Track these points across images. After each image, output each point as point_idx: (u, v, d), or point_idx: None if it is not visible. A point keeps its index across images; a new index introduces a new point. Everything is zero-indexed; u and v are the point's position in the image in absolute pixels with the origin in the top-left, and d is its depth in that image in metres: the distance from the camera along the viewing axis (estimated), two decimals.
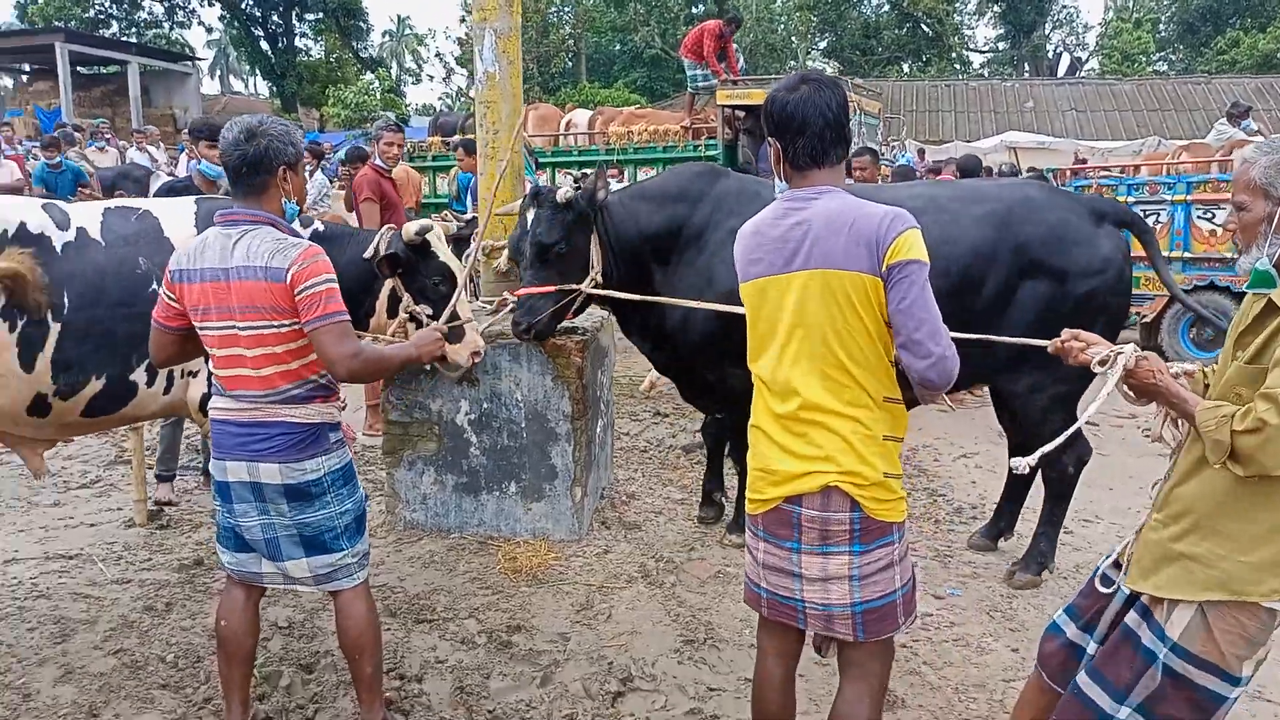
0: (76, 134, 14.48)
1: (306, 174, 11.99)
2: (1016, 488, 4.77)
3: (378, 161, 6.74)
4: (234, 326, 2.66)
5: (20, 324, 3.31)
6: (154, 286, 3.55)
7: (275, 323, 2.64)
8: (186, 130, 6.58)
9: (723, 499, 5.12)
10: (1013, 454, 4.68)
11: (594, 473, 4.95)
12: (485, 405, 4.68)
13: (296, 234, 2.82)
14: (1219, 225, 8.68)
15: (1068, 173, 11.50)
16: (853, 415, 2.29)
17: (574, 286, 4.30)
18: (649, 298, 4.32)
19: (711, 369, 4.49)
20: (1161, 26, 38.83)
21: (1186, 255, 8.89)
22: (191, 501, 5.29)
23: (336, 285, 2.68)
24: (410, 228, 3.91)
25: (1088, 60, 39.82)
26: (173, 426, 5.28)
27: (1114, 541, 4.81)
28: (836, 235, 2.22)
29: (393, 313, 4.01)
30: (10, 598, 4.02)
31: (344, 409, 2.94)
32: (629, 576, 4.32)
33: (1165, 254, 9.16)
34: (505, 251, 5.18)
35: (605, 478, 5.34)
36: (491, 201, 5.15)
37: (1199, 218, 8.86)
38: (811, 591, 2.36)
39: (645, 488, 5.54)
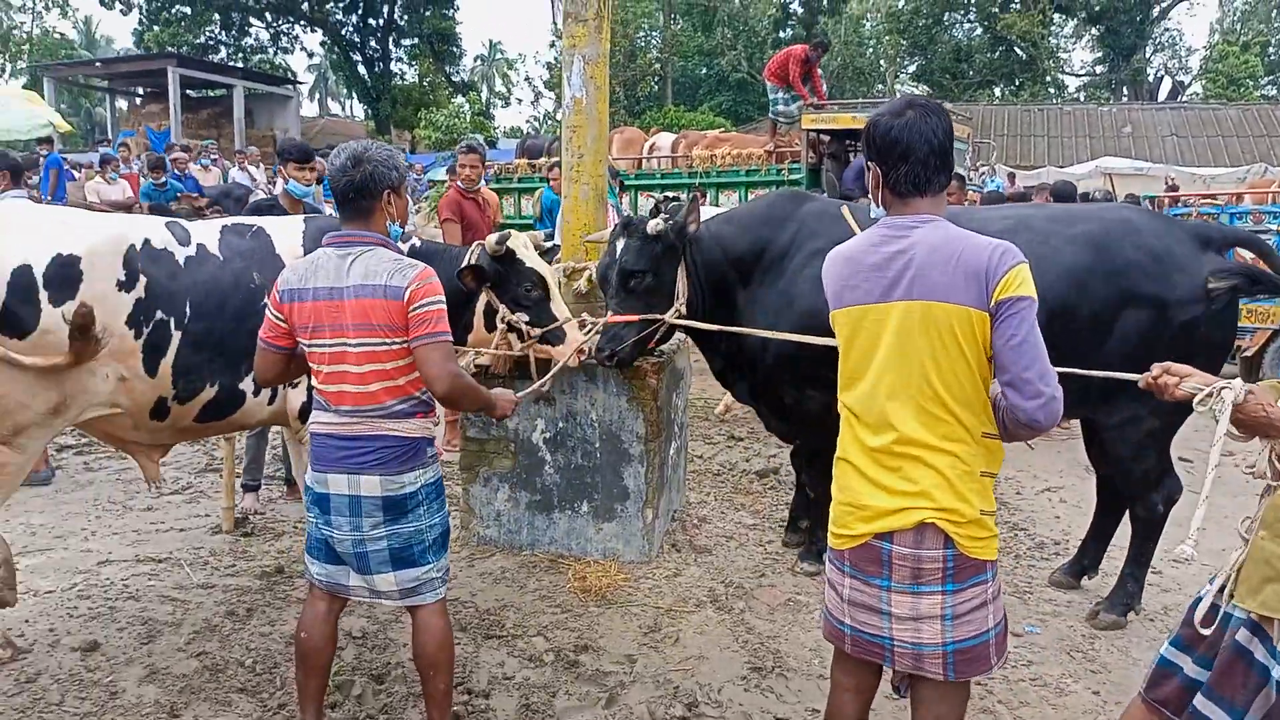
0: (184, 154, 15.18)
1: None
2: (1103, 525, 4.61)
3: (459, 183, 6.91)
4: (345, 344, 2.74)
5: (146, 332, 3.49)
6: (266, 300, 3.72)
7: (389, 340, 2.73)
8: (276, 151, 6.79)
9: (809, 526, 5.06)
10: (1101, 486, 4.54)
11: (666, 495, 4.95)
12: (560, 424, 4.73)
13: (402, 253, 2.90)
14: None
15: (1165, 200, 11.13)
16: (950, 450, 2.22)
17: (658, 316, 4.32)
18: (732, 328, 4.33)
19: (789, 390, 4.46)
20: (1272, 50, 37.41)
21: None
22: (275, 510, 5.45)
23: (445, 308, 2.78)
24: (490, 239, 4.00)
25: (1191, 84, 38.56)
26: (257, 438, 5.45)
27: (1206, 583, 4.63)
28: (942, 266, 2.16)
29: (490, 325, 4.11)
30: (103, 598, 4.19)
31: (437, 425, 3.01)
32: (698, 601, 4.30)
33: None
34: (585, 273, 5.24)
35: (677, 500, 5.33)
36: (571, 222, 5.25)
37: None
38: (901, 630, 2.29)
39: (717, 511, 5.51)
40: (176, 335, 3.56)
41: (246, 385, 3.80)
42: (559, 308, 4.18)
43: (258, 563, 4.64)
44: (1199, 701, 2.26)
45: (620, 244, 4.32)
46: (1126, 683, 3.71)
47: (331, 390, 2.79)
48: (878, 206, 2.41)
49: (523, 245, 4.13)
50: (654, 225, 4.25)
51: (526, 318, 4.12)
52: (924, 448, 2.22)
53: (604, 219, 5.34)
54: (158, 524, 5.17)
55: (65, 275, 3.31)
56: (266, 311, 2.91)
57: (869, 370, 2.30)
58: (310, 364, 2.85)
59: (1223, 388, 2.15)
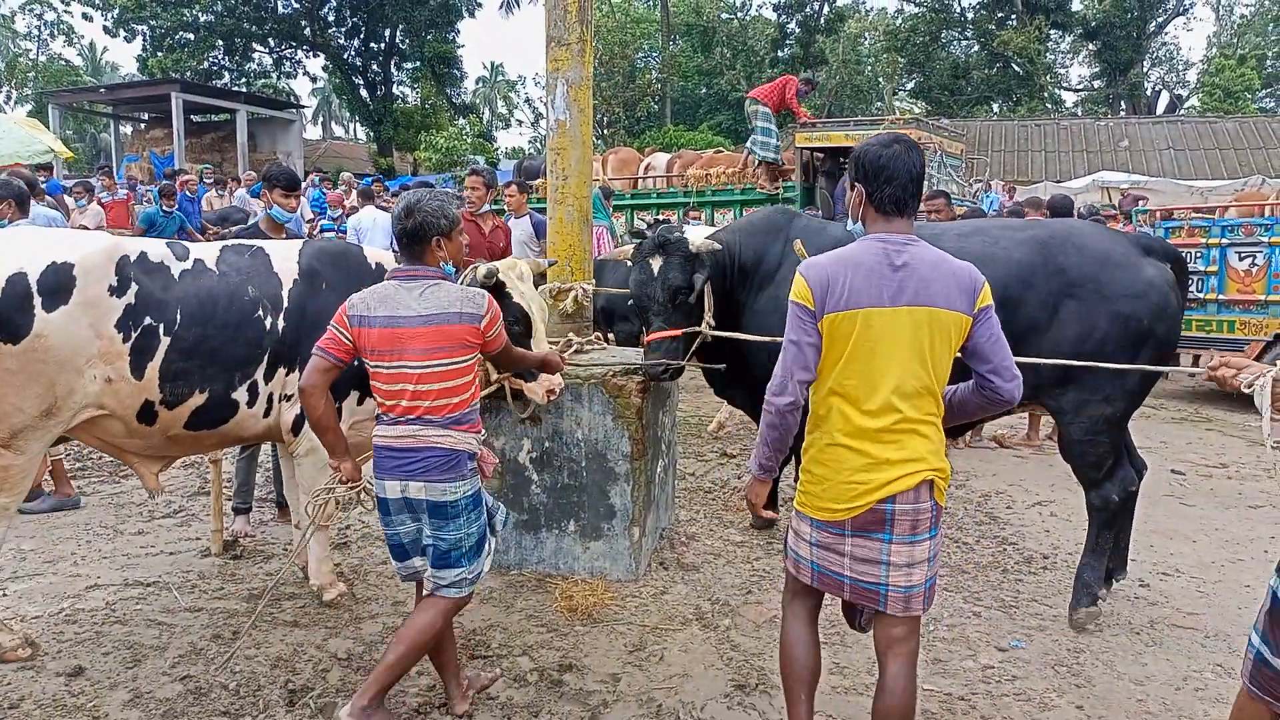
0: (189, 176, 15.39)
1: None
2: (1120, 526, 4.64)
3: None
4: (404, 365, 3.12)
5: (134, 335, 3.67)
6: (259, 313, 3.94)
7: (456, 359, 3.17)
8: (262, 176, 6.79)
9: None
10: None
11: (653, 513, 4.96)
12: (547, 444, 4.75)
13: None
14: None
15: (1158, 213, 11.16)
16: (933, 423, 2.72)
17: (698, 329, 4.61)
18: (764, 338, 4.50)
19: None
20: (1269, 62, 37.50)
21: None
22: (265, 533, 5.45)
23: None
24: (481, 270, 4.02)
25: (1188, 98, 38.64)
26: (247, 459, 5.47)
27: (1194, 597, 4.63)
28: (941, 280, 2.64)
29: None
30: (90, 622, 4.20)
31: (484, 439, 3.36)
32: (684, 618, 4.30)
33: (1262, 297, 8.86)
34: (571, 294, 5.28)
35: (665, 518, 5.34)
36: (556, 243, 5.29)
37: None
38: (896, 576, 2.70)
39: (706, 529, 5.51)
40: (165, 341, 3.74)
41: (240, 396, 3.96)
42: (539, 345, 4.21)
43: (246, 585, 4.65)
44: (1253, 637, 2.42)
45: (659, 262, 4.59)
46: (1111, 697, 3.71)
47: (390, 404, 3.18)
48: (855, 223, 2.85)
49: (516, 277, 4.16)
50: (703, 245, 4.59)
51: None
52: (918, 423, 2.68)
53: (589, 240, 5.38)
54: (148, 547, 5.18)
55: (58, 282, 3.51)
56: (330, 326, 3.21)
57: (874, 363, 2.66)
58: (371, 380, 3.22)
59: (1267, 371, 2.42)
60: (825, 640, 4.10)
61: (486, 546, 3.39)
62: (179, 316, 3.78)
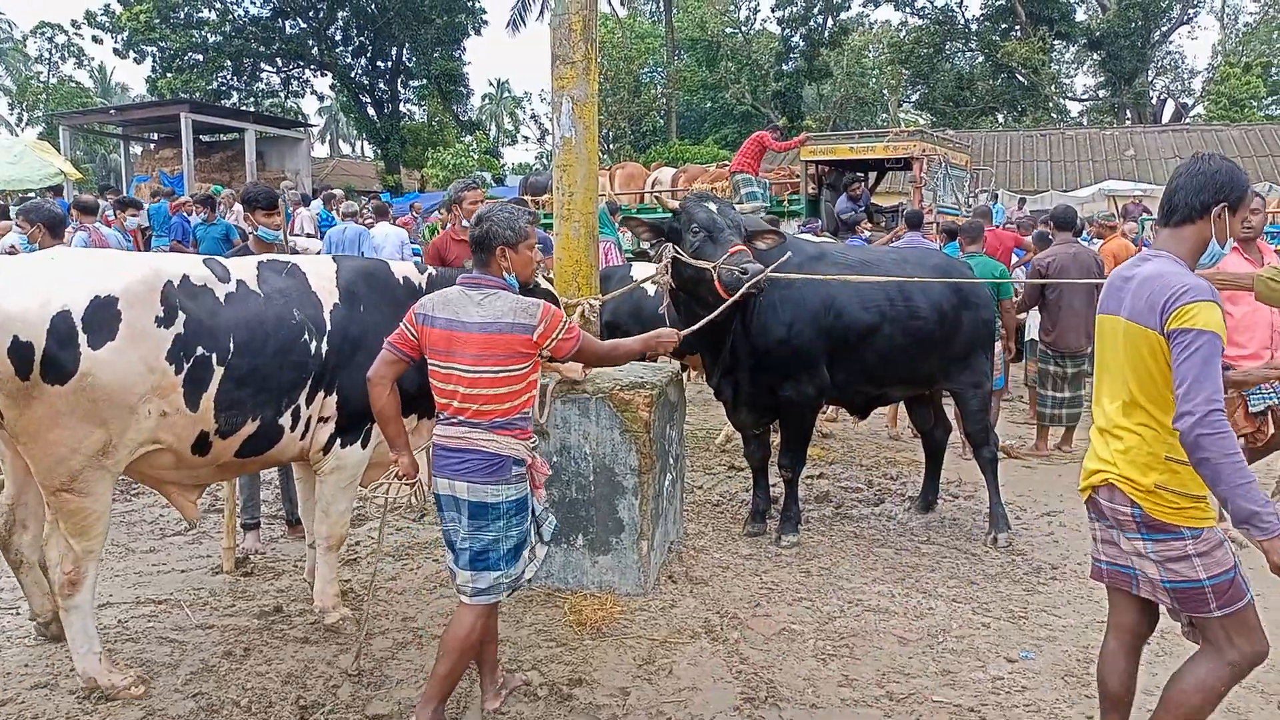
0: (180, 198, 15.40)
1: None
2: (934, 469, 6.25)
3: (464, 222, 6.99)
4: (455, 368, 3.24)
5: (187, 367, 3.58)
6: (305, 337, 3.90)
7: (512, 368, 3.25)
8: (240, 198, 6.77)
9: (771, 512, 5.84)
10: (926, 441, 6.31)
11: (661, 527, 4.97)
12: (554, 459, 4.76)
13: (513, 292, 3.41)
14: None
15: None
16: (1137, 433, 2.81)
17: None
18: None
19: (791, 381, 5.29)
20: (1275, 70, 37.43)
21: None
22: (276, 549, 5.48)
23: (564, 316, 3.41)
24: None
25: (1194, 106, 38.59)
26: (251, 475, 5.48)
27: None
28: None
29: None
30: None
31: (534, 446, 3.39)
32: (693, 632, 4.31)
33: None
34: (578, 308, 5.30)
35: (674, 532, 5.35)
36: (563, 258, 5.31)
37: None
38: (1138, 560, 2.84)
39: (715, 542, 5.52)
40: (219, 370, 3.66)
41: (285, 420, 3.94)
42: None
43: (256, 602, 4.67)
44: None
45: (715, 205, 5.19)
46: None
47: (443, 402, 3.30)
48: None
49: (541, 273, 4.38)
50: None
51: None
52: (1120, 429, 2.88)
53: (595, 255, 5.41)
54: (159, 565, 5.20)
55: (103, 316, 3.37)
56: (401, 324, 3.37)
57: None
58: (430, 378, 3.34)
59: None
60: (834, 653, 4.11)
61: (528, 553, 3.44)
62: (231, 344, 3.69)
